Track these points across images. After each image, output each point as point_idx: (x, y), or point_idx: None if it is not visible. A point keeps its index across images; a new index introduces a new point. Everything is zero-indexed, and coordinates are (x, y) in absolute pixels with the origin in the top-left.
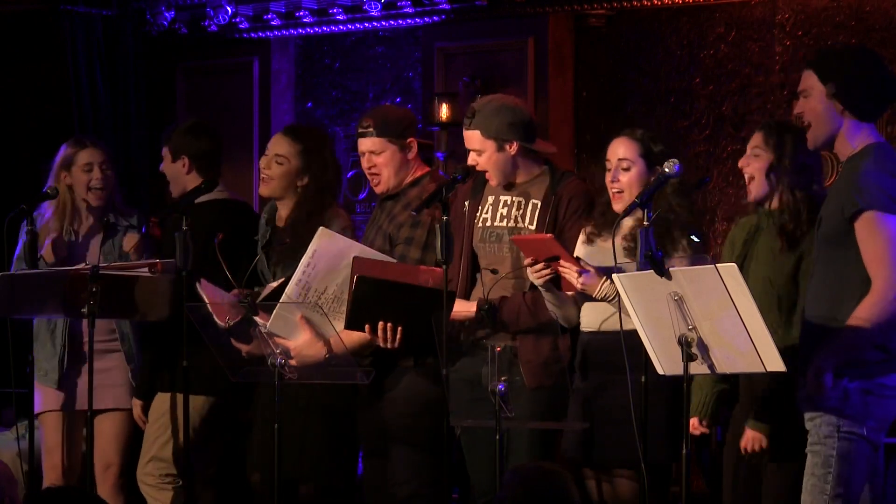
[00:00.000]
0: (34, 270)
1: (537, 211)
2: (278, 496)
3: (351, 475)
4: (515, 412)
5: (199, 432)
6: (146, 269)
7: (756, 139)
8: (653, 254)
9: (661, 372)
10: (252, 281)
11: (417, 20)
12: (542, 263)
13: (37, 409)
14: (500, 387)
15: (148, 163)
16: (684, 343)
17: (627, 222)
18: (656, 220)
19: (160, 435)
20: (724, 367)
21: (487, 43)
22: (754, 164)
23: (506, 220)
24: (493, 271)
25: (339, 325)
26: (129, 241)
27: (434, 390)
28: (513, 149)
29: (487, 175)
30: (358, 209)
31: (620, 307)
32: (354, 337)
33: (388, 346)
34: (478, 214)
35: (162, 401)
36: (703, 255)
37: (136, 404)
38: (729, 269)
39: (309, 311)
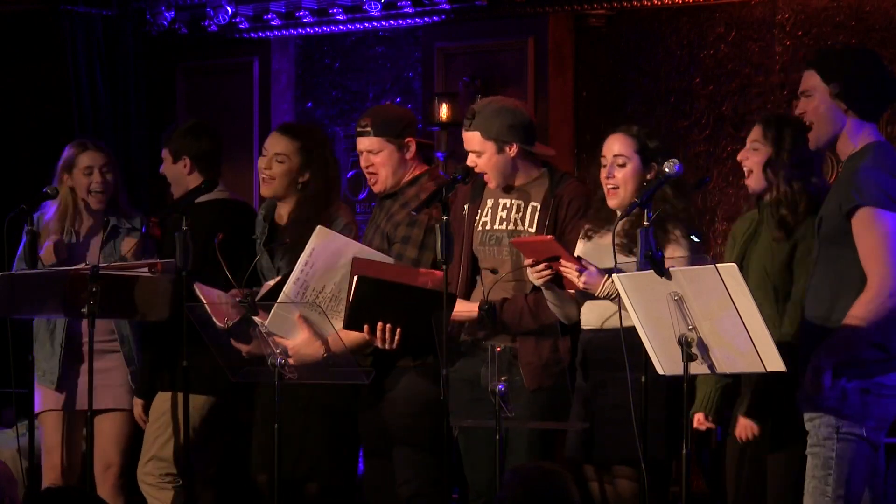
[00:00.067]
0: (34, 270)
1: (537, 213)
2: (283, 496)
3: (351, 475)
4: (516, 413)
5: (200, 432)
6: (146, 269)
7: (755, 133)
8: (653, 254)
9: (661, 372)
10: (252, 281)
11: (417, 20)
12: (543, 263)
13: (36, 409)
14: (500, 387)
15: (148, 163)
16: (684, 343)
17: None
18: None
19: (160, 434)
20: (724, 367)
21: (487, 43)
22: (753, 157)
23: (505, 223)
24: (494, 271)
25: (337, 324)
26: (128, 244)
27: (434, 390)
28: (512, 151)
29: (486, 177)
30: (358, 209)
31: (621, 305)
32: (352, 337)
33: (387, 346)
34: (477, 218)
35: (162, 400)
36: (702, 255)
37: (137, 403)
38: (729, 269)
39: (307, 310)
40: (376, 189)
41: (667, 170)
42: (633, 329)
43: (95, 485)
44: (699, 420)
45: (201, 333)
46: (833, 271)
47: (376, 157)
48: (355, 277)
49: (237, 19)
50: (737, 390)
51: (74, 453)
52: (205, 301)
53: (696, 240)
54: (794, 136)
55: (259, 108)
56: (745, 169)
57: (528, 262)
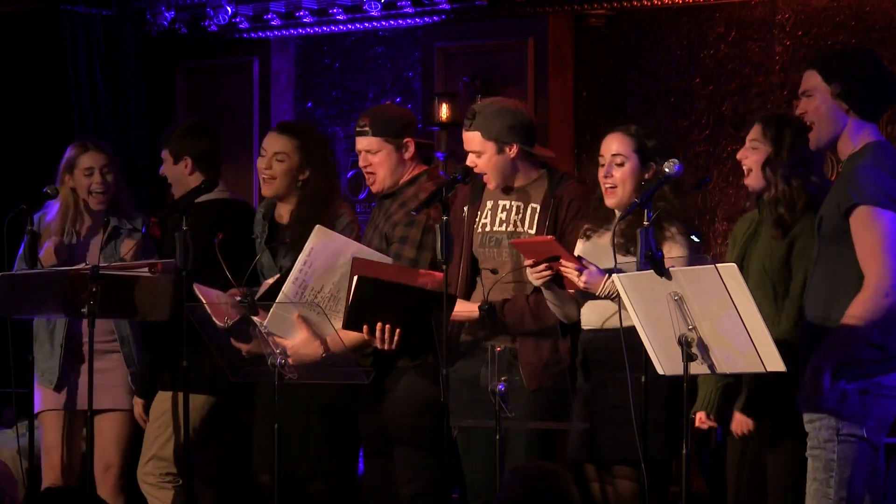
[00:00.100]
0: (34, 270)
1: (536, 215)
2: (285, 495)
3: (352, 475)
4: (515, 413)
5: (200, 432)
6: (146, 270)
7: (754, 132)
8: (653, 254)
9: (661, 372)
10: (252, 281)
11: (417, 20)
12: (543, 264)
13: (36, 409)
14: (500, 387)
15: (148, 163)
16: (684, 343)
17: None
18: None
19: (160, 434)
20: (724, 367)
21: (487, 43)
22: (752, 156)
23: (505, 224)
24: (494, 271)
25: (336, 323)
26: (126, 246)
27: (434, 390)
28: (512, 151)
29: (486, 178)
30: (358, 209)
31: (621, 305)
32: (351, 337)
33: (385, 347)
34: (477, 220)
35: (162, 400)
36: (702, 254)
37: (137, 403)
38: (729, 269)
39: (306, 310)
40: (374, 189)
41: (667, 170)
42: (633, 329)
43: (95, 485)
44: (700, 419)
45: (201, 333)
46: (832, 270)
47: (374, 157)
48: (355, 278)
49: (237, 19)
50: (738, 389)
51: (74, 453)
52: (204, 301)
53: (695, 240)
54: (793, 135)
55: (259, 108)
56: (744, 168)
57: (527, 262)
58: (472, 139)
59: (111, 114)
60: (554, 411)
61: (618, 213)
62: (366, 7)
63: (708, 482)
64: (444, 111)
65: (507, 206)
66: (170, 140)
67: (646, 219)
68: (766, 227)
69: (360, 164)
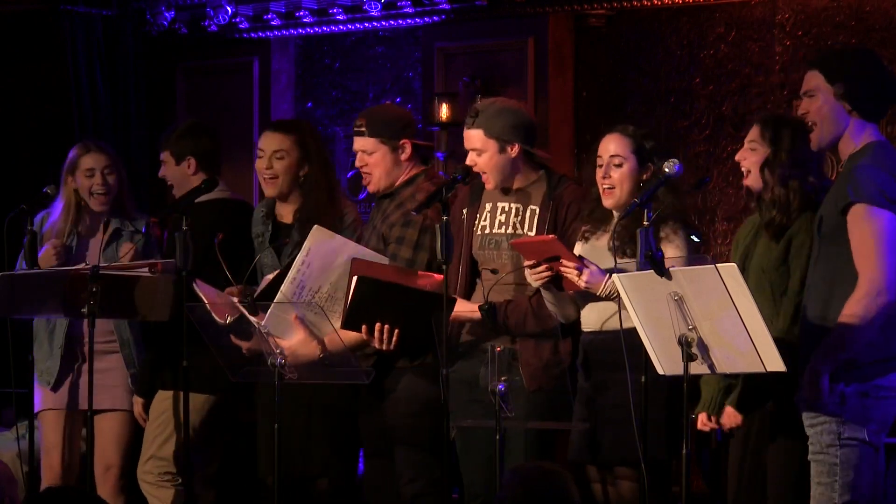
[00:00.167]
0: (34, 270)
1: (536, 216)
2: (292, 495)
3: (353, 474)
4: (515, 413)
5: (200, 431)
6: (146, 269)
7: (753, 133)
8: (653, 254)
9: (661, 372)
10: (252, 281)
11: (417, 20)
12: (543, 265)
13: (36, 408)
14: (500, 387)
15: (148, 163)
16: (684, 343)
17: (614, 220)
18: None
19: (159, 433)
20: (724, 367)
21: (487, 43)
22: (751, 157)
23: (504, 226)
24: (494, 271)
25: (334, 324)
26: (125, 249)
27: (434, 391)
28: (514, 151)
29: (485, 177)
30: (358, 209)
31: (621, 305)
32: (349, 337)
33: (384, 347)
34: (476, 222)
35: (162, 399)
36: (702, 255)
37: (137, 402)
38: (729, 269)
39: (304, 311)
40: (370, 189)
41: (667, 170)
42: (633, 330)
43: (96, 485)
44: (703, 421)
45: (201, 333)
46: (831, 269)
47: (370, 157)
48: (355, 278)
49: (237, 19)
50: None
51: (73, 453)
52: (204, 298)
53: (696, 240)
54: (791, 136)
55: (259, 108)
56: (743, 169)
57: (527, 263)
58: (474, 137)
59: (111, 114)
60: (554, 412)
61: (615, 214)
62: (366, 7)
63: (708, 482)
64: (444, 111)
65: (507, 209)
66: (170, 141)
67: (646, 219)
68: (762, 228)
69: (357, 164)
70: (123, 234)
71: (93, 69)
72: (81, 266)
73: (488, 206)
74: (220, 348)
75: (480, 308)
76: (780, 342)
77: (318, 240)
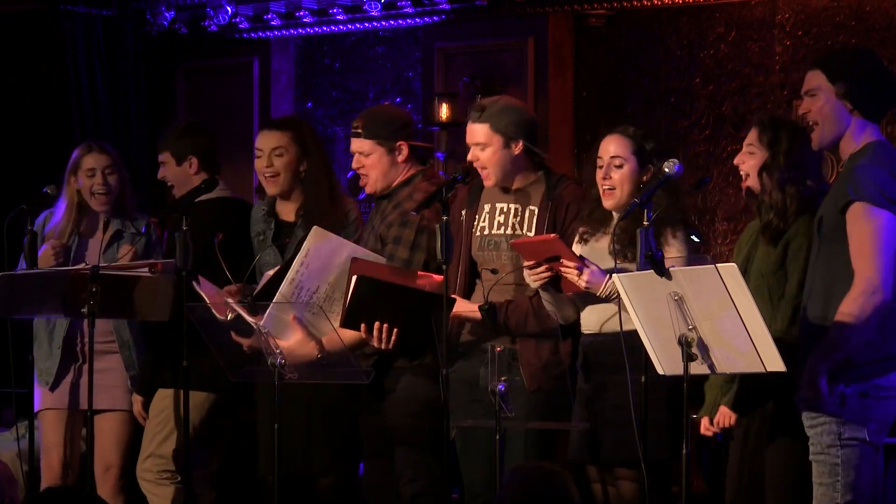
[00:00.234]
0: (34, 270)
1: (535, 217)
2: (293, 493)
3: (355, 473)
4: (514, 413)
5: (199, 429)
6: (146, 269)
7: (751, 136)
8: (653, 254)
9: (661, 372)
10: (252, 280)
11: (417, 20)
12: (543, 266)
13: (36, 408)
14: (500, 387)
15: (148, 163)
16: (684, 343)
17: (614, 222)
18: (651, 221)
19: (159, 431)
20: (724, 367)
21: (487, 43)
22: (749, 161)
23: (503, 227)
24: (494, 271)
25: (329, 324)
26: (124, 251)
27: (433, 391)
28: (517, 148)
29: (485, 173)
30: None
31: (621, 306)
32: (347, 336)
33: (383, 346)
34: (475, 223)
35: (162, 397)
36: (702, 255)
37: (137, 400)
38: (729, 269)
39: (303, 311)
40: (368, 191)
41: (667, 170)
42: (633, 332)
43: (96, 485)
44: (705, 425)
45: (201, 333)
46: (831, 269)
47: (367, 159)
48: (354, 277)
49: (237, 19)
50: None
51: (73, 453)
52: (204, 295)
53: (696, 240)
54: (789, 138)
55: (259, 108)
56: (741, 173)
57: (527, 264)
58: (480, 131)
59: (111, 114)
60: (553, 412)
61: (615, 215)
62: (366, 7)
63: (708, 482)
64: (444, 111)
65: (505, 209)
66: (169, 142)
67: (646, 219)
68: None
69: (354, 165)
70: (125, 235)
71: (93, 69)
72: (81, 266)
73: (487, 207)
74: (220, 348)
75: (480, 308)
76: (778, 343)
77: (317, 241)
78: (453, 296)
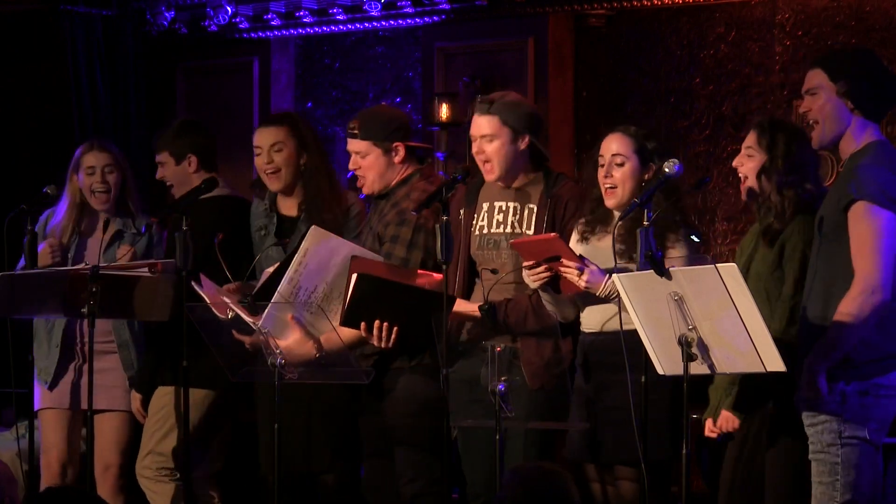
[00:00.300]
0: (34, 270)
1: (534, 215)
2: (295, 492)
3: (356, 472)
4: (515, 413)
5: (199, 427)
6: (146, 269)
7: (750, 139)
8: (653, 254)
9: (661, 372)
10: (252, 278)
11: (417, 20)
12: (543, 266)
13: (36, 406)
14: (500, 387)
15: (148, 163)
16: (684, 343)
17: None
18: (651, 221)
19: (158, 429)
20: (724, 367)
21: (487, 43)
22: (748, 164)
23: (503, 226)
24: (494, 271)
25: (328, 323)
26: (123, 251)
27: (433, 390)
28: (524, 143)
29: (488, 167)
30: None
31: (621, 306)
32: (346, 335)
33: (382, 345)
34: (474, 222)
35: (162, 395)
36: (702, 255)
37: (136, 398)
38: (729, 269)
39: (301, 310)
40: (365, 192)
41: (667, 170)
42: (633, 332)
43: (95, 484)
44: (709, 427)
45: (201, 333)
46: (831, 268)
47: (363, 160)
48: (355, 275)
49: (237, 19)
50: None
51: (72, 452)
52: (204, 296)
53: (696, 240)
54: (787, 141)
55: (259, 108)
56: (740, 175)
57: (526, 263)
58: (489, 123)
59: (111, 114)
60: (554, 411)
61: (617, 214)
62: (366, 7)
63: (708, 482)
64: (444, 111)
65: (504, 208)
66: (166, 142)
67: (646, 219)
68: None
69: (350, 166)
70: (125, 235)
71: (93, 69)
72: (81, 266)
73: (486, 206)
74: (220, 348)
75: (480, 308)
76: (776, 343)
77: (316, 240)
78: (452, 295)
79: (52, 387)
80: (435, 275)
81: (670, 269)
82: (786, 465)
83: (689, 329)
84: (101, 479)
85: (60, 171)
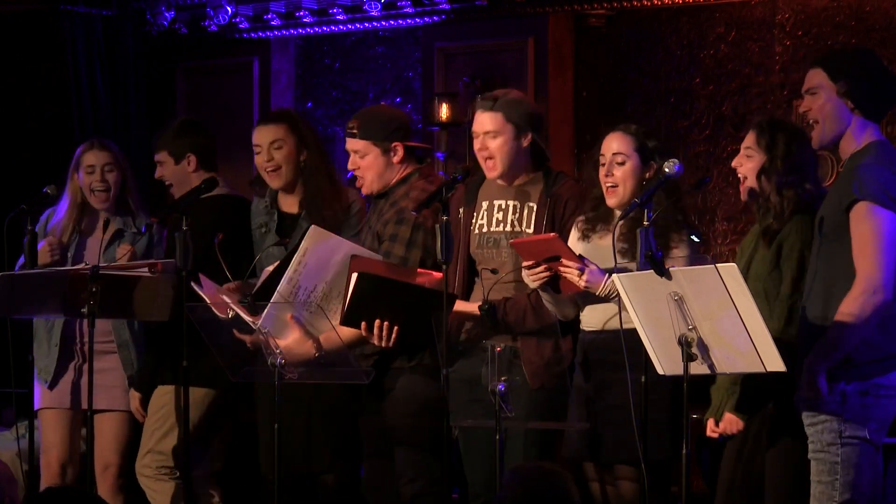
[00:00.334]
0: (34, 270)
1: (534, 214)
2: (295, 491)
3: (356, 471)
4: (515, 412)
5: (199, 425)
6: (146, 269)
7: (749, 139)
8: (653, 254)
9: (661, 372)
10: (252, 276)
11: (417, 20)
12: (542, 266)
13: (36, 406)
14: (500, 387)
15: (148, 163)
16: (684, 343)
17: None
18: (651, 221)
19: (158, 427)
20: (724, 367)
21: (487, 43)
22: (747, 164)
23: (502, 224)
24: (494, 271)
25: (327, 322)
26: (122, 250)
27: (433, 390)
28: (527, 140)
29: (491, 163)
30: None
31: (621, 305)
32: (345, 334)
33: (383, 344)
34: (473, 221)
35: (162, 393)
36: (702, 255)
37: (134, 397)
38: (729, 269)
39: (301, 310)
40: (364, 192)
41: (667, 170)
42: (634, 330)
43: (96, 484)
44: (711, 427)
45: (201, 333)
46: (832, 268)
47: (362, 160)
48: (355, 274)
49: (237, 19)
50: None
51: (72, 451)
52: (204, 296)
53: (696, 240)
54: (787, 142)
55: (259, 108)
56: (739, 175)
57: (526, 264)
58: (492, 120)
59: (111, 114)
60: (554, 410)
61: (619, 214)
62: (366, 7)
63: (708, 482)
64: (444, 111)
65: (504, 206)
66: (166, 141)
67: (646, 219)
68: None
69: (349, 166)
70: (126, 234)
71: (93, 69)
72: (81, 266)
73: (485, 205)
74: (221, 348)
75: (480, 308)
76: (775, 343)
77: (316, 240)
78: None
79: (52, 386)
80: (435, 273)
81: (670, 269)
82: (785, 465)
83: (689, 329)
84: (100, 478)
85: (60, 171)
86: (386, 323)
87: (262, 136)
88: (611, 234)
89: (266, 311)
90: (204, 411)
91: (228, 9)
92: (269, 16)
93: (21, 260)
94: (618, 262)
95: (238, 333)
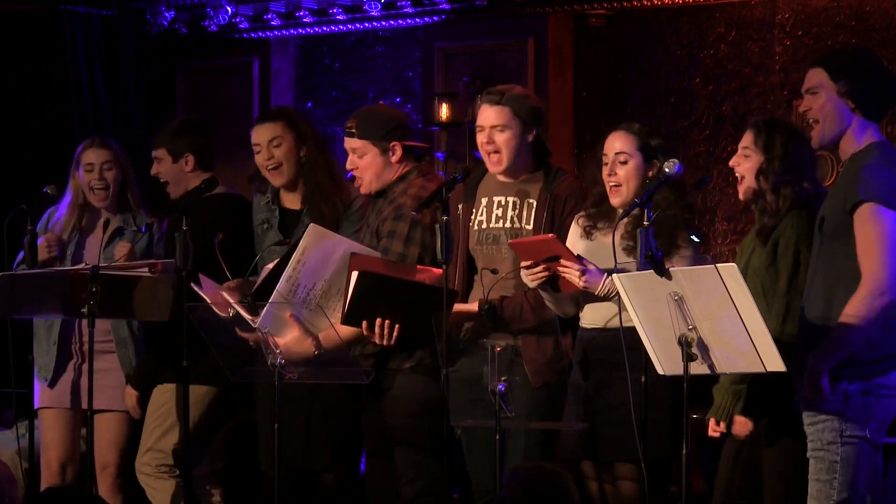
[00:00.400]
0: (34, 270)
1: (533, 210)
2: (295, 490)
3: (357, 471)
4: (516, 411)
5: (199, 424)
6: (146, 269)
7: (746, 139)
8: (653, 254)
9: (661, 372)
10: (253, 274)
11: (417, 20)
12: (541, 266)
13: (36, 405)
14: (500, 387)
15: (148, 162)
16: (684, 343)
17: (624, 220)
18: (655, 221)
19: (158, 425)
20: (724, 367)
21: (487, 43)
22: (744, 164)
23: (502, 220)
24: (493, 271)
25: (326, 321)
26: (121, 249)
27: (433, 390)
28: (531, 136)
29: (496, 158)
30: None
31: (621, 305)
32: (344, 332)
33: (384, 343)
34: (472, 217)
35: (162, 392)
36: (702, 255)
37: (131, 395)
38: (729, 269)
39: (300, 309)
40: (363, 191)
41: (667, 169)
42: (634, 329)
43: (96, 483)
44: (712, 427)
45: (201, 333)
46: (833, 268)
47: (360, 160)
48: (356, 273)
49: (237, 19)
50: None
51: (72, 451)
52: (204, 296)
53: (696, 240)
54: (784, 142)
55: (259, 108)
56: (737, 175)
57: (525, 264)
58: (500, 113)
59: (111, 114)
60: (555, 408)
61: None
62: (366, 7)
63: (708, 482)
64: (444, 111)
65: (504, 203)
66: (165, 139)
67: (646, 219)
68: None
69: (348, 165)
70: (126, 232)
71: (93, 69)
72: (81, 266)
73: (484, 201)
74: (221, 348)
75: (480, 308)
76: (776, 342)
77: (315, 238)
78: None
79: (52, 384)
80: (434, 270)
81: (670, 269)
82: (784, 464)
83: (689, 329)
84: (99, 478)
85: (60, 170)
86: (387, 321)
87: (261, 134)
88: (614, 232)
89: (265, 309)
90: (204, 409)
91: (228, 9)
92: (269, 16)
93: (20, 256)
94: (623, 259)
95: (240, 332)
